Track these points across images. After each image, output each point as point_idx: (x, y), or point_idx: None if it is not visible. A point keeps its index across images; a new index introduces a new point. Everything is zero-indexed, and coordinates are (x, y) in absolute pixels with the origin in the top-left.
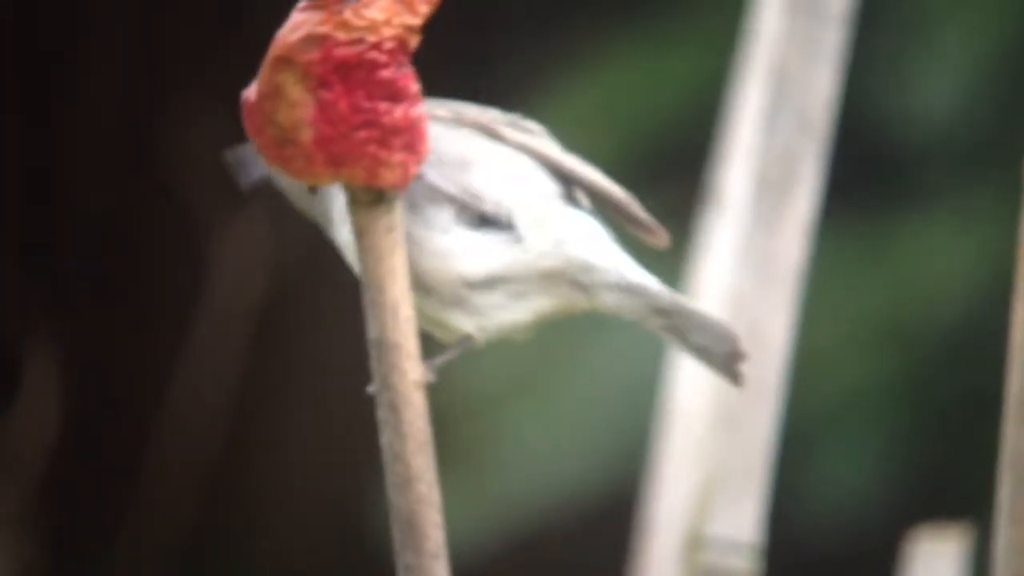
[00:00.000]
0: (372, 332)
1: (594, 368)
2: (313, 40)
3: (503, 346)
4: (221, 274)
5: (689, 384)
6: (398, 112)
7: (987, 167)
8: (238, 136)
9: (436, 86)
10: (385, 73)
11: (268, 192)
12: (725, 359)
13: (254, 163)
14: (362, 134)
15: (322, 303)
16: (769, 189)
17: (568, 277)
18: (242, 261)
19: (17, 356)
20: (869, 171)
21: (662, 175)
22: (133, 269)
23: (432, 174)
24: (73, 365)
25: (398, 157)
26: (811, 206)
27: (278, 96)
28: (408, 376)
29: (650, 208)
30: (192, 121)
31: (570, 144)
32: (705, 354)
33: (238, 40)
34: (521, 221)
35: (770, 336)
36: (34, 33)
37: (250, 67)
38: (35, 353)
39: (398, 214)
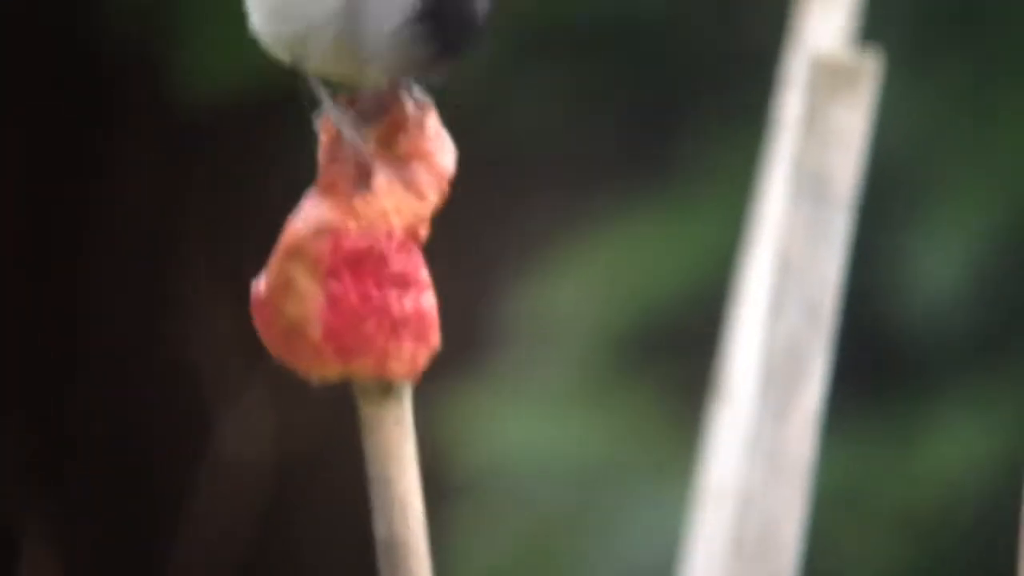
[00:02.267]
0: (379, 530)
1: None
2: (323, 231)
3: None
4: (228, 450)
5: None
6: (408, 301)
7: (997, 354)
8: (246, 316)
9: (436, 246)
10: (395, 262)
11: (274, 371)
12: None
13: None
14: (371, 325)
15: (327, 489)
16: (776, 379)
17: None
18: (248, 438)
19: (17, 532)
20: (876, 359)
21: (666, 354)
22: (142, 443)
23: None
24: (73, 539)
25: (408, 347)
26: (819, 396)
27: (287, 288)
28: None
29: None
30: (204, 301)
31: (574, 316)
32: None
33: (251, 222)
34: None
35: (782, 534)
36: (46, 216)
37: (259, 249)
38: (35, 529)
39: (407, 405)
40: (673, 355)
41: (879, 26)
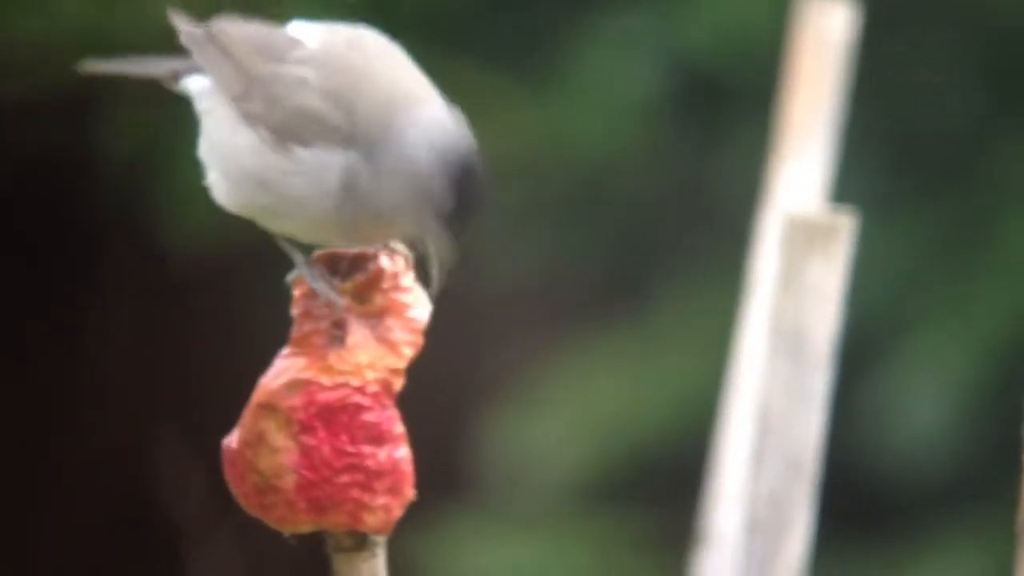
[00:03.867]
0: None
1: None
2: (297, 385)
3: None
4: None
5: None
6: (382, 455)
7: (979, 493)
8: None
9: (415, 379)
10: (369, 416)
11: (244, 525)
12: None
13: None
14: (345, 478)
15: None
16: (760, 531)
17: None
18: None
19: None
20: (859, 501)
21: (641, 490)
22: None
23: None
24: None
25: (381, 501)
26: (804, 546)
27: (260, 443)
28: None
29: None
30: (179, 451)
31: (553, 448)
32: None
33: (223, 378)
34: None
35: None
36: (34, 369)
37: (230, 406)
38: None
39: (381, 558)
40: (647, 492)
41: (852, 181)
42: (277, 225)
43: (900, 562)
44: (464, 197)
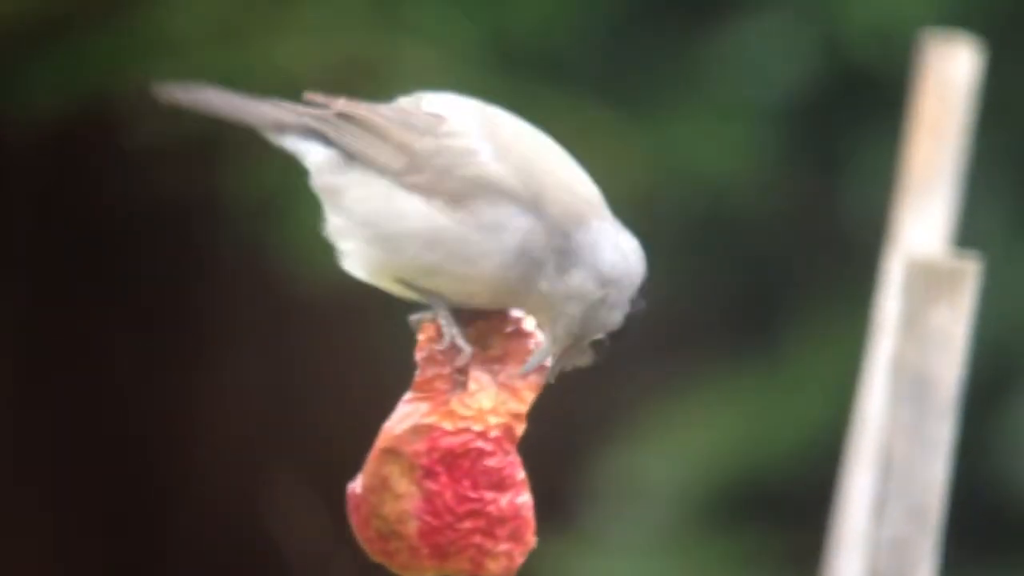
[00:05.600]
0: None
1: None
2: (420, 431)
3: None
4: None
5: None
6: (504, 501)
7: None
8: (337, 507)
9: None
10: (491, 462)
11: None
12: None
13: None
14: (467, 524)
15: None
16: None
17: None
18: None
19: None
20: (983, 549)
21: (753, 521)
22: None
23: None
24: None
25: (503, 547)
26: None
27: (384, 488)
28: None
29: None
30: (299, 492)
31: (670, 481)
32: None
33: (340, 427)
34: None
35: None
36: (162, 409)
37: (352, 449)
38: None
39: None
40: (764, 529)
41: (979, 221)
42: (430, 281)
43: None
44: (627, 322)
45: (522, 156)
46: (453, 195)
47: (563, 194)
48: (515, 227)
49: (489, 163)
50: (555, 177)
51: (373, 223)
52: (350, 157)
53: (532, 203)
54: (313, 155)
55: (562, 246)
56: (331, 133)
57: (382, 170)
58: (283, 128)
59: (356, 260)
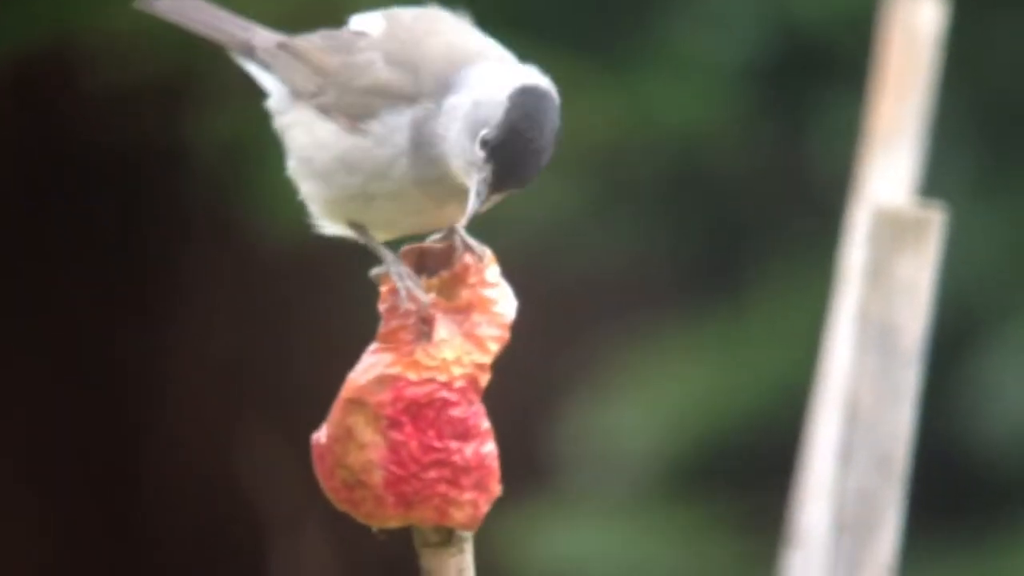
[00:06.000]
0: None
1: None
2: (384, 381)
3: None
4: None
5: None
6: (468, 451)
7: None
8: (307, 457)
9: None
10: (456, 412)
11: (332, 521)
12: None
13: None
14: (432, 474)
15: None
16: (848, 529)
17: None
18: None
19: None
20: (949, 499)
21: (723, 479)
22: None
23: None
24: None
25: (468, 496)
26: (893, 547)
27: (349, 438)
28: None
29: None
30: (267, 443)
31: (637, 435)
32: None
33: (311, 371)
34: None
35: None
36: (123, 361)
37: (318, 399)
38: None
39: (469, 554)
40: (731, 481)
41: (944, 172)
42: (370, 215)
43: (995, 551)
44: (516, 134)
45: (413, 43)
46: (352, 110)
47: (439, 61)
48: (404, 124)
49: (381, 69)
50: (435, 45)
51: (307, 158)
52: (296, 93)
53: (415, 88)
54: (270, 89)
55: (439, 107)
56: (271, 63)
57: (300, 94)
58: (250, 53)
59: (310, 202)
